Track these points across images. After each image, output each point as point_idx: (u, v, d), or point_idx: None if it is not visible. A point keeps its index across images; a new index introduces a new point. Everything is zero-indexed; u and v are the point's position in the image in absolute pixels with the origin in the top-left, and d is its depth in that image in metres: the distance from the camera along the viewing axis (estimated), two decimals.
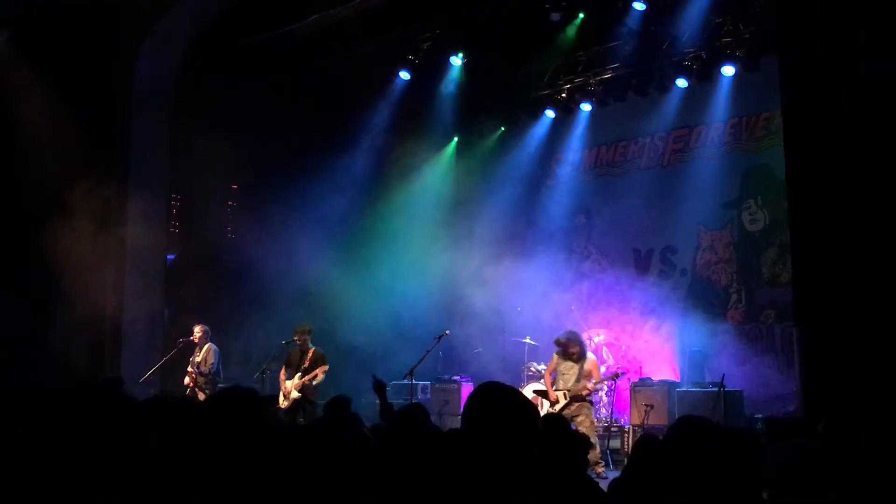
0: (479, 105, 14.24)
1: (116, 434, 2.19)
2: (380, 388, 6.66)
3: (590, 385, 9.61)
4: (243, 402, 2.43)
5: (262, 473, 2.31)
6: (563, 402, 9.47)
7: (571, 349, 9.65)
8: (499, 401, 2.50)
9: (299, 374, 10.62)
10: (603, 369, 11.77)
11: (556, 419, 5.24)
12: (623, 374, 10.74)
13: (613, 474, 7.99)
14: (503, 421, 2.42)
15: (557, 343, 9.81)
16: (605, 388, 11.75)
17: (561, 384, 9.64)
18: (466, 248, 13.09)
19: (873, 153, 6.76)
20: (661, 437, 9.37)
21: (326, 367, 10.71)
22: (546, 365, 10.38)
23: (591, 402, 9.75)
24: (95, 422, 2.18)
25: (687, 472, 2.83)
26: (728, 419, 9.23)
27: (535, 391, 10.39)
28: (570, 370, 9.62)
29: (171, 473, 2.23)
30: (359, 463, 3.82)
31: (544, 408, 9.88)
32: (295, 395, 10.58)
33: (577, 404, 9.44)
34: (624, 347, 12.11)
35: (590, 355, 9.90)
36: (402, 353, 11.76)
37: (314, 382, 10.63)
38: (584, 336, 11.82)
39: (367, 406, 11.41)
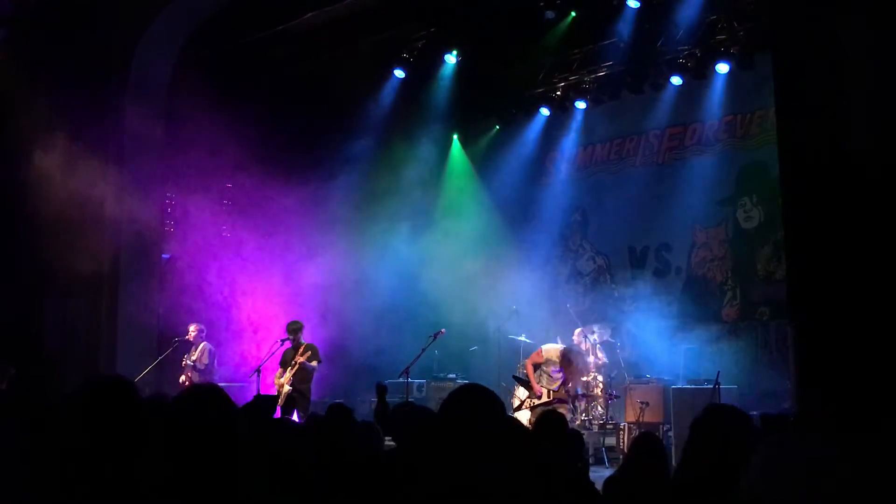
0: (474, 103, 14.23)
1: (134, 429, 2.26)
2: (381, 389, 6.64)
3: (571, 390, 9.78)
4: (207, 401, 2.47)
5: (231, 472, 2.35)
6: (545, 398, 9.52)
7: (566, 362, 9.63)
8: (475, 403, 2.52)
9: (290, 368, 10.71)
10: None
11: (553, 417, 5.24)
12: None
13: (608, 472, 7.99)
14: (477, 423, 2.43)
15: (565, 353, 9.74)
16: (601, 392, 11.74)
17: (545, 381, 9.68)
18: (462, 245, 13.09)
19: (867, 149, 6.77)
20: (659, 435, 9.35)
21: (319, 362, 10.82)
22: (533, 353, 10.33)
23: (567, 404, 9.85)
24: (118, 416, 2.26)
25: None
26: None
27: (514, 376, 10.39)
28: (556, 374, 9.66)
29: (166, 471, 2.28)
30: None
31: (519, 394, 9.94)
32: (286, 388, 10.64)
33: (556, 403, 9.48)
34: (619, 345, 12.11)
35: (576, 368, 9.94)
36: (398, 352, 11.77)
37: (306, 362, 10.59)
38: (579, 334, 11.78)
39: (361, 404, 11.46)
